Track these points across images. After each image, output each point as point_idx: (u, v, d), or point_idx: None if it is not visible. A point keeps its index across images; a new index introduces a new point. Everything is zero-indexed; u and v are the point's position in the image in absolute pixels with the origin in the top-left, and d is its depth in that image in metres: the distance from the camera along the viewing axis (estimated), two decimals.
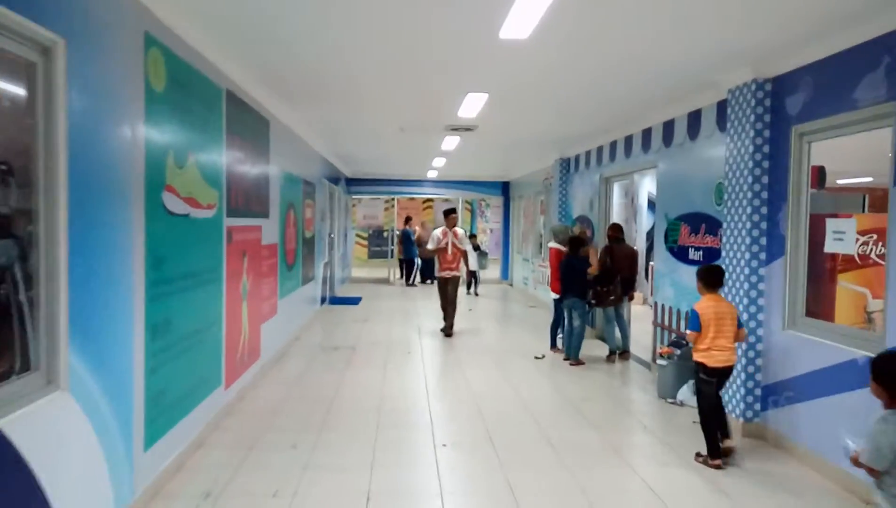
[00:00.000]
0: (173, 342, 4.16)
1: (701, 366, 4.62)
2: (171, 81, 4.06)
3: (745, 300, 5.15)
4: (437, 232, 9.41)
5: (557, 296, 8.23)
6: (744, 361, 5.16)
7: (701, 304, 4.66)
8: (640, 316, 9.35)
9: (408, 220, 18.07)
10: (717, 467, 4.50)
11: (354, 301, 13.22)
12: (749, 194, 5.11)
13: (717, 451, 4.55)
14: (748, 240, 5.13)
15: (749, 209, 5.12)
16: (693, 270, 6.26)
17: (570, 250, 7.96)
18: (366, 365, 7.46)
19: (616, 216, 9.51)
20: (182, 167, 4.26)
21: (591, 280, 7.77)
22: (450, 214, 9.49)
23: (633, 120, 7.76)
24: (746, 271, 5.14)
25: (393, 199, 18.30)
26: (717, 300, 4.66)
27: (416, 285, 17.01)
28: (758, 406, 5.19)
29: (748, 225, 5.12)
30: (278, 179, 7.55)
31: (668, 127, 7.01)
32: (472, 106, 6.85)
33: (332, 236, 13.58)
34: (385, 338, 9.19)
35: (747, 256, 5.14)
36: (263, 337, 6.82)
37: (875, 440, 2.58)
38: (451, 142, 9.83)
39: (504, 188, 17.72)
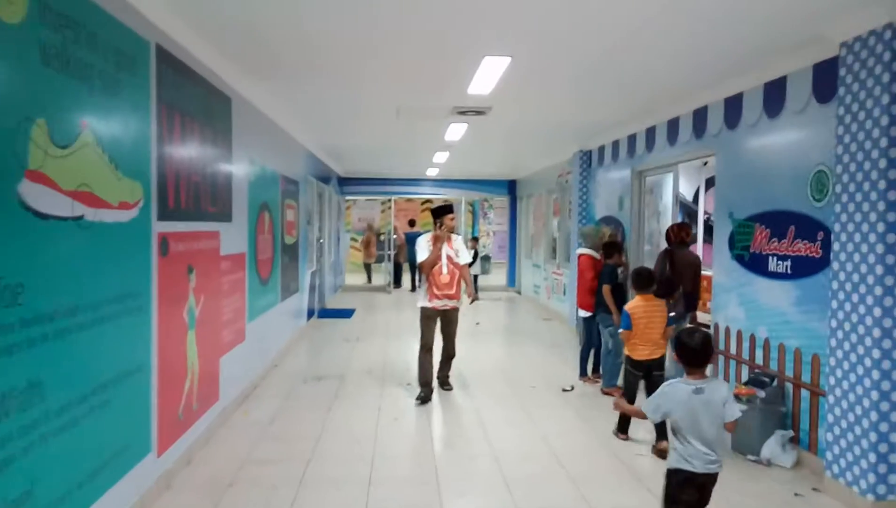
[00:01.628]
0: (47, 414, 2.70)
1: (627, 359, 5.17)
2: (41, 10, 2.61)
3: (876, 332, 3.72)
4: (424, 240, 6.27)
5: (588, 313, 6.77)
6: (874, 417, 3.73)
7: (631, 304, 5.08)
8: None
9: (412, 223, 16.81)
10: (624, 440, 5.09)
11: (347, 314, 11.77)
12: (882, 185, 3.68)
13: (625, 427, 5.17)
14: (880, 248, 3.69)
15: (882, 205, 3.68)
16: (775, 284, 4.86)
17: (606, 257, 6.53)
18: (355, 404, 6.01)
19: (637, 217, 8.08)
20: (65, 146, 2.81)
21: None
22: (443, 214, 6.25)
23: (681, 99, 6.33)
24: (878, 291, 3.70)
25: (390, 200, 16.86)
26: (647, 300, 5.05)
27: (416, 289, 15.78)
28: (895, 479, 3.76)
29: (880, 228, 3.69)
30: (246, 175, 6.11)
31: (734, 104, 5.57)
32: (487, 77, 5.41)
33: (322, 240, 12.13)
34: (380, 363, 7.74)
35: (879, 270, 3.70)
36: (224, 373, 5.37)
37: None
38: (456, 130, 8.38)
39: (510, 187, 16.29)
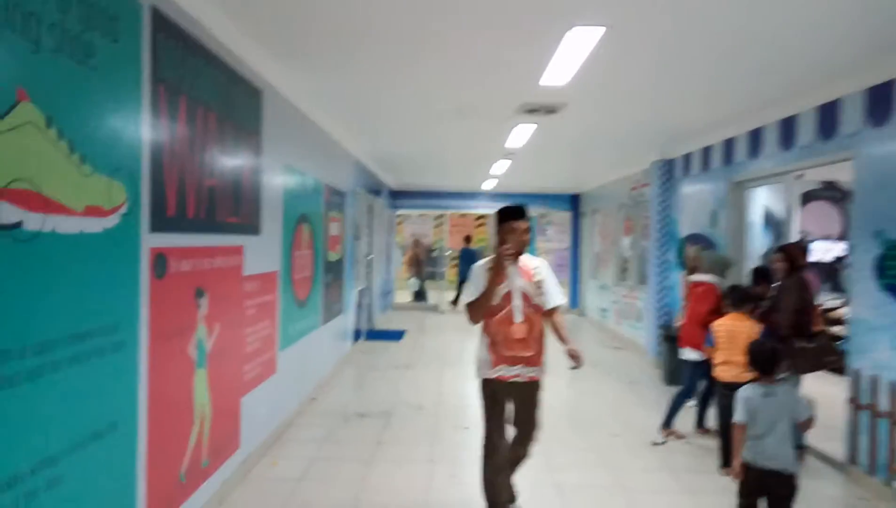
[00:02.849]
0: None
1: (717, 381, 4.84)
2: None
3: None
4: (480, 269, 3.79)
5: (695, 355, 5.45)
6: None
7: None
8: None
9: (468, 239, 15.96)
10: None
11: (396, 336, 10.86)
12: None
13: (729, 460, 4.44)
14: None
15: None
16: None
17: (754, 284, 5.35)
18: (403, 453, 5.03)
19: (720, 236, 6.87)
20: None
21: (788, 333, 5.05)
22: (510, 218, 3.76)
23: (803, 92, 5.18)
24: None
25: (443, 215, 15.97)
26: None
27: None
28: None
29: None
30: (280, 182, 5.27)
31: (881, 94, 4.40)
32: (568, 60, 4.40)
33: (371, 257, 11.29)
34: (432, 398, 6.75)
35: None
36: (248, 415, 4.49)
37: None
38: (521, 134, 7.38)
39: (573, 202, 15.16)
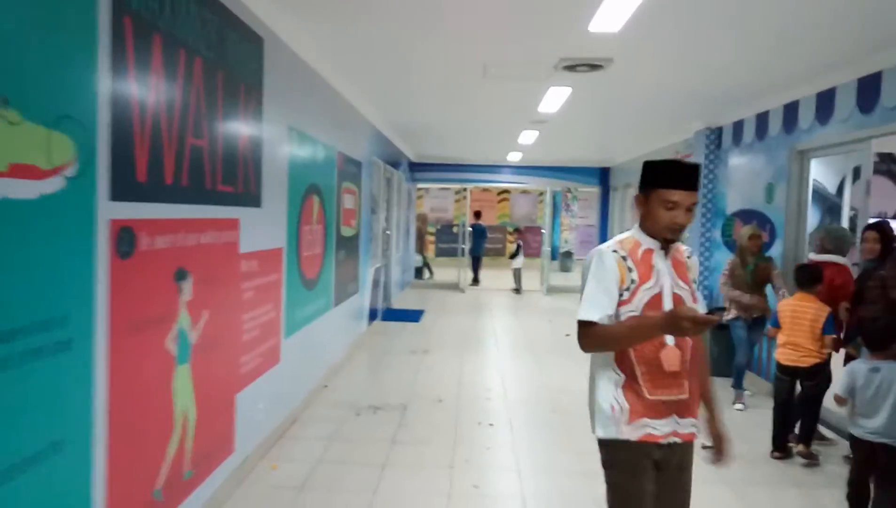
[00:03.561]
0: None
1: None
2: None
3: None
4: (605, 257, 2.23)
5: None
6: None
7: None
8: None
9: (478, 215, 15.30)
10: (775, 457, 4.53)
11: (414, 317, 10.28)
12: None
13: (779, 444, 4.58)
14: None
15: None
16: None
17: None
18: (420, 456, 4.44)
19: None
20: None
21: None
22: (668, 185, 2.16)
23: (887, 46, 4.41)
24: None
25: (465, 189, 15.27)
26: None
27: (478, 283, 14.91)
28: None
29: None
30: (286, 146, 4.64)
31: None
32: (623, 2, 3.69)
33: (389, 232, 10.68)
34: (452, 388, 6.15)
35: None
36: (244, 413, 3.92)
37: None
38: (555, 98, 6.65)
39: (602, 176, 14.38)
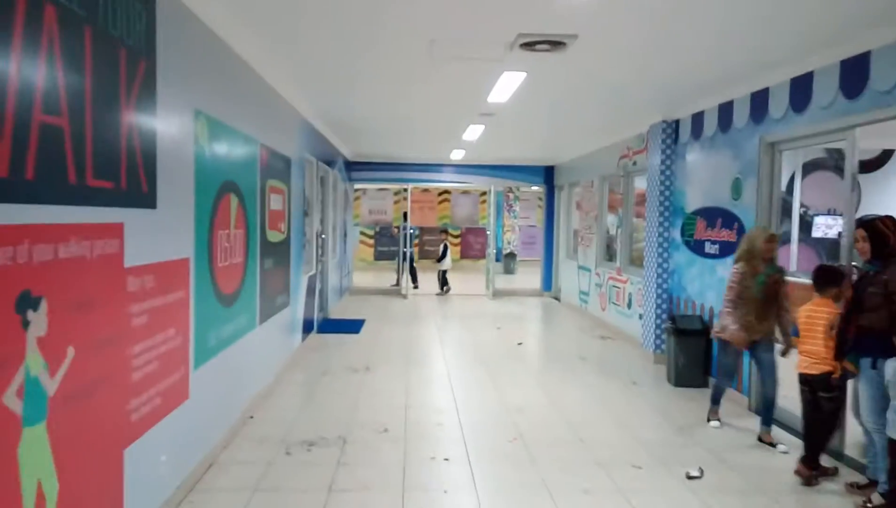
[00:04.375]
0: None
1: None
2: None
3: None
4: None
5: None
6: None
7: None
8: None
9: (406, 216, 14.90)
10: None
11: (354, 327, 9.47)
12: None
13: (809, 461, 4.10)
14: None
15: None
16: None
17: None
18: (364, 506, 3.68)
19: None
20: None
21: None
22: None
23: (879, 21, 3.96)
24: None
25: (405, 189, 14.52)
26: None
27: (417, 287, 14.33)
28: None
29: None
30: (188, 131, 3.79)
31: None
32: None
33: (324, 236, 9.83)
34: (399, 413, 5.40)
35: None
36: (135, 471, 3.07)
37: None
38: (506, 86, 6.00)
39: (547, 175, 13.89)
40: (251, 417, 5.13)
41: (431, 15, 4.04)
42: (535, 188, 17.20)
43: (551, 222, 13.99)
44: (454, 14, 4.02)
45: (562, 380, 6.65)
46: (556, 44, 4.39)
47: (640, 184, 9.06)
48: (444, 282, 14.15)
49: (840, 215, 9.82)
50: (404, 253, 14.27)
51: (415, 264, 14.80)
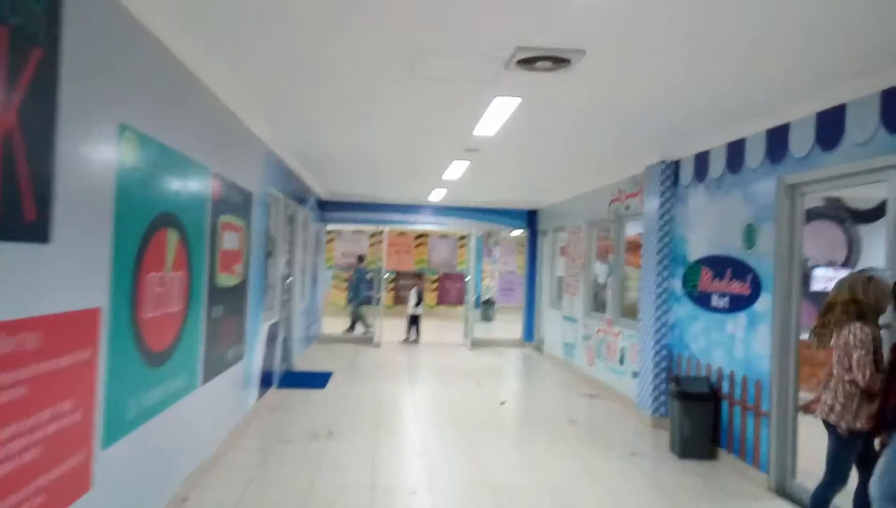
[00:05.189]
0: None
1: None
2: None
3: None
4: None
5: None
6: None
7: None
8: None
9: (361, 258, 14.79)
10: None
11: (320, 381, 8.57)
12: None
13: None
14: None
15: None
16: None
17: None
18: None
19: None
20: None
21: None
22: None
23: None
24: None
25: (381, 231, 13.79)
26: None
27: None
28: None
29: None
30: (108, 151, 3.03)
31: None
32: None
33: (291, 279, 9.01)
34: (364, 496, 4.54)
35: None
36: None
37: None
38: (497, 114, 5.35)
39: (530, 219, 13.30)
40: (184, 500, 4.23)
41: (415, 20, 3.38)
42: (515, 233, 16.65)
43: (534, 268, 13.34)
44: (442, 20, 3.36)
45: (550, 451, 5.84)
46: (559, 61, 3.74)
47: (633, 230, 8.48)
48: (410, 329, 13.31)
49: (843, 267, 9.42)
50: (367, 297, 13.62)
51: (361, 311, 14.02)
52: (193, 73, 4.20)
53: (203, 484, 4.55)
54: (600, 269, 9.55)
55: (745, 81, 4.27)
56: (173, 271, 3.94)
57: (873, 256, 9.21)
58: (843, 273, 9.41)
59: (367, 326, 13.66)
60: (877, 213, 9.20)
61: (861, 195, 8.86)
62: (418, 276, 14.37)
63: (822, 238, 9.24)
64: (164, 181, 3.74)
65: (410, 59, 3.92)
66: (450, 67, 4.03)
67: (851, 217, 9.26)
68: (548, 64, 3.79)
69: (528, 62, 3.78)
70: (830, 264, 9.23)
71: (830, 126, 4.43)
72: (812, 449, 4.97)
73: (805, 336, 4.32)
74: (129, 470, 3.39)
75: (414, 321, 13.27)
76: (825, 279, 9.06)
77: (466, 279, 13.56)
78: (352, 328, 13.86)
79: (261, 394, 6.95)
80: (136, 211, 3.36)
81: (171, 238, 3.88)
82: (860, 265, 9.22)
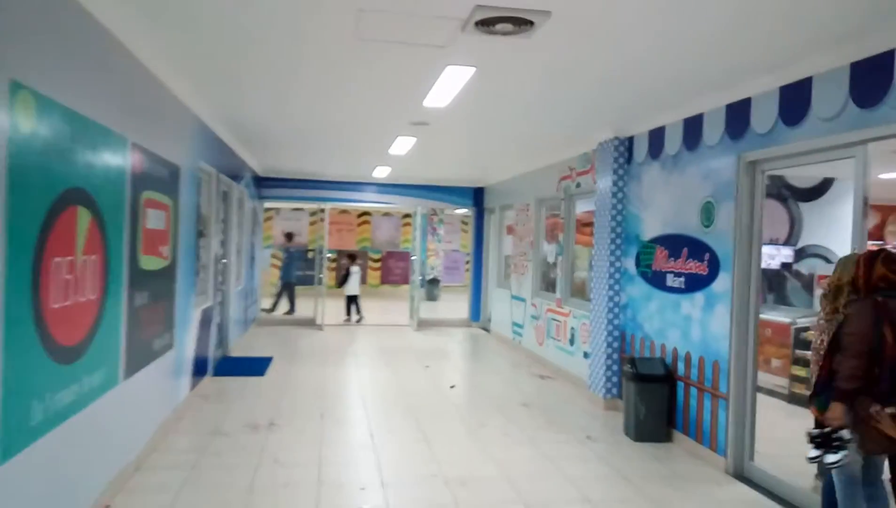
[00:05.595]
0: None
1: None
2: None
3: None
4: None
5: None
6: None
7: None
8: None
9: (290, 236, 14.36)
10: None
11: (259, 368, 8.12)
12: None
13: None
14: None
15: None
16: None
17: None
18: None
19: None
20: None
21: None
22: None
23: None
24: None
25: (322, 209, 13.25)
26: None
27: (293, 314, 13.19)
28: None
29: None
30: (2, 111, 2.55)
31: None
32: None
33: (226, 260, 8.47)
34: (310, 493, 4.20)
35: None
36: None
37: None
38: (450, 84, 4.98)
39: (476, 197, 13.04)
40: (107, 507, 3.80)
41: None
42: (458, 211, 16.38)
43: (480, 247, 13.12)
44: None
45: (506, 436, 5.63)
46: (522, 23, 3.41)
47: (583, 208, 8.32)
48: (350, 309, 13.11)
49: (784, 246, 9.57)
50: (299, 277, 13.30)
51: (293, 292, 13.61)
52: (107, 28, 3.67)
53: (128, 489, 4.11)
54: (549, 248, 9.38)
55: (711, 53, 4.07)
56: (86, 255, 3.45)
57: (813, 233, 9.39)
58: (785, 251, 9.65)
59: (291, 306, 13.27)
60: (818, 191, 9.36)
61: (802, 174, 8.97)
62: (351, 257, 13.93)
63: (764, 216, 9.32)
64: (72, 152, 3.24)
65: (355, 17, 3.52)
66: (399, 28, 3.64)
67: (793, 195, 9.38)
68: (508, 27, 3.45)
69: (487, 24, 3.44)
70: (773, 241, 9.34)
71: (795, 101, 4.28)
72: (770, 431, 4.94)
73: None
74: (34, 485, 2.94)
75: (352, 300, 13.07)
76: (768, 257, 9.16)
77: (412, 258, 13.20)
78: (273, 307, 13.36)
79: (194, 384, 6.47)
80: (36, 187, 2.87)
81: (82, 218, 3.39)
82: (801, 243, 9.38)
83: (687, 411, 5.42)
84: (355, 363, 8.97)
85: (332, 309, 12.55)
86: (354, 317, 13.00)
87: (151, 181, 4.67)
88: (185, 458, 4.78)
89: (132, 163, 4.20)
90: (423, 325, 12.53)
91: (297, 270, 13.73)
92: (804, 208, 9.45)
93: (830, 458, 2.98)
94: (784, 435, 5.47)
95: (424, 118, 6.34)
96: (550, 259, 9.28)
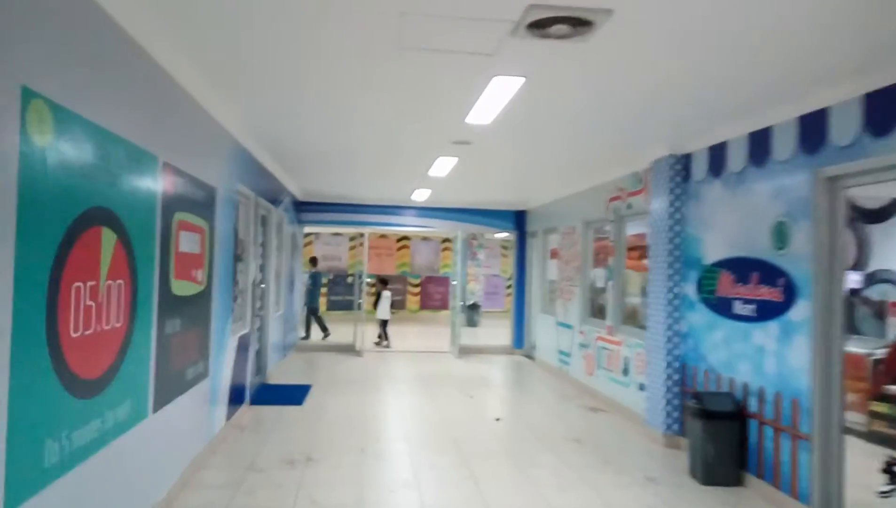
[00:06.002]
0: None
1: None
2: None
3: None
4: None
5: None
6: None
7: None
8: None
9: (314, 261, 13.94)
10: None
11: (297, 396, 7.85)
12: None
13: None
14: None
15: None
16: None
17: None
18: None
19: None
20: None
21: None
22: None
23: None
24: None
25: (361, 234, 13.06)
26: None
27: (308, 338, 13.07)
28: None
29: None
30: (12, 121, 2.33)
31: None
32: None
33: (264, 285, 8.29)
34: None
35: None
36: None
37: None
38: (496, 96, 4.68)
39: (518, 220, 12.68)
40: None
41: None
42: (498, 236, 16.03)
43: (522, 272, 12.71)
44: None
45: (558, 476, 5.19)
46: (580, 23, 3.09)
47: (634, 230, 7.89)
48: (381, 333, 13.13)
49: (852, 270, 8.92)
50: (314, 307, 13.28)
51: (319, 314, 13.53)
52: (137, 41, 3.49)
53: None
54: (597, 273, 8.94)
55: (784, 59, 3.67)
56: (111, 280, 3.22)
57: (884, 257, 8.71)
58: (854, 276, 8.99)
59: (324, 331, 13.16)
60: (887, 212, 8.71)
61: (868, 193, 8.38)
62: (383, 281, 13.67)
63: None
64: (95, 169, 3.02)
65: (397, 22, 3.25)
66: (444, 34, 3.36)
67: (859, 216, 8.77)
68: (564, 28, 3.14)
69: (540, 26, 3.13)
70: None
71: (883, 109, 3.84)
72: (853, 475, 4.40)
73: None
74: None
75: (384, 324, 13.18)
76: None
77: (453, 283, 12.87)
78: (307, 334, 13.20)
79: (230, 414, 6.22)
80: (53, 204, 2.64)
81: (107, 239, 3.17)
82: (870, 268, 8.74)
83: (761, 452, 4.91)
84: (395, 391, 8.63)
85: (371, 334, 12.28)
86: (384, 342, 12.90)
87: (185, 203, 4.47)
88: (217, 496, 4.49)
89: (163, 183, 4.00)
90: (464, 352, 12.14)
91: (319, 295, 13.64)
92: (872, 229, 8.85)
93: None
94: (871, 480, 4.90)
95: (467, 137, 6.05)
96: (599, 284, 8.84)
